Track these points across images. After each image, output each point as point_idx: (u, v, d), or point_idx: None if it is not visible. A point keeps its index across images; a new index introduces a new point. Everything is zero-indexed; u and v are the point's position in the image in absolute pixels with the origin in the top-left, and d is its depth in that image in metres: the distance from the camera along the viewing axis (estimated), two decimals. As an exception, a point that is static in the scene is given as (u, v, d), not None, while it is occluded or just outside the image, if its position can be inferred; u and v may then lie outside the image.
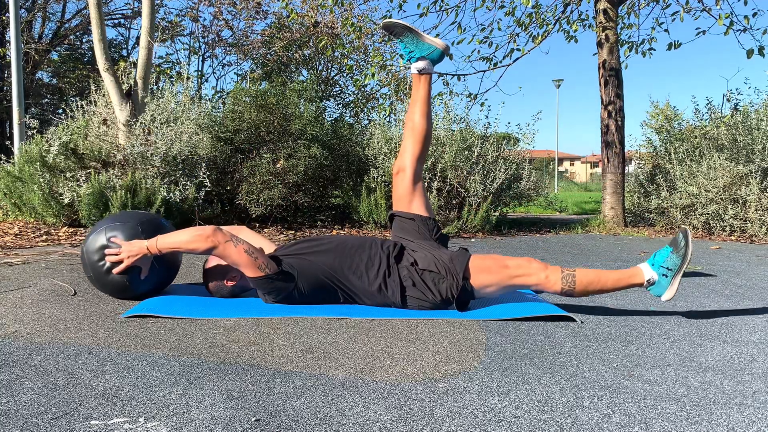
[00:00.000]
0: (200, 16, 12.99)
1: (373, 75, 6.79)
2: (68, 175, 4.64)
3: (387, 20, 2.27)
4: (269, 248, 2.22)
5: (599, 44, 6.07)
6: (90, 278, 2.16)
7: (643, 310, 2.19)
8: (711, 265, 3.47)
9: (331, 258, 2.07)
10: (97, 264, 2.10)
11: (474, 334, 1.78)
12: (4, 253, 3.39)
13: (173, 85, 5.64)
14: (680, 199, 5.61)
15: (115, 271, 2.08)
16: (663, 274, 1.96)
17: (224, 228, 2.27)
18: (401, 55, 6.85)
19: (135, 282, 2.11)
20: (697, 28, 7.91)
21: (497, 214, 5.54)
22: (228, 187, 5.34)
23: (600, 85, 6.10)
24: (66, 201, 4.52)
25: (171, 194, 4.60)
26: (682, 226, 2.08)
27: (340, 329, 1.82)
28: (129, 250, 2.06)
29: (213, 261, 2.20)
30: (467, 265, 2.00)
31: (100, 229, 2.14)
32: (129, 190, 4.40)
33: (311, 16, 10.07)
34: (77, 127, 5.10)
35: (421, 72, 2.26)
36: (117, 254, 2.06)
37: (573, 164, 60.29)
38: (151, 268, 2.12)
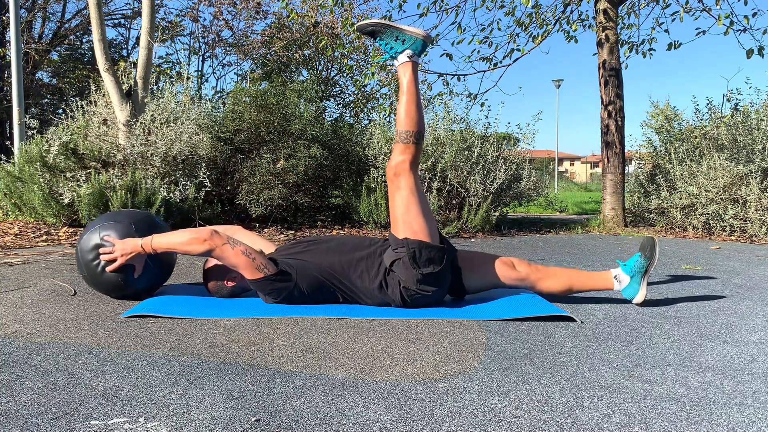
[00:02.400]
0: (200, 16, 12.99)
1: (373, 75, 6.79)
2: (68, 175, 4.64)
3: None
4: (268, 249, 2.22)
5: (599, 44, 6.07)
6: (84, 277, 2.17)
7: (643, 309, 2.19)
8: (711, 265, 3.47)
9: (331, 258, 2.07)
10: (91, 263, 2.11)
11: (474, 334, 1.78)
12: (4, 253, 3.39)
13: (173, 85, 5.64)
14: (680, 199, 5.61)
15: (108, 269, 2.08)
16: (402, 41, 2.08)
17: (221, 228, 2.27)
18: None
19: (129, 281, 2.11)
20: (697, 28, 7.92)
21: (497, 214, 5.54)
22: (228, 187, 5.34)
23: (600, 85, 6.10)
24: (66, 201, 4.52)
25: (171, 194, 4.61)
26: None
27: (340, 329, 1.82)
28: (123, 248, 2.06)
29: (213, 261, 2.20)
30: (393, 235, 2.04)
31: (94, 228, 2.14)
32: (129, 190, 4.40)
33: (311, 16, 10.07)
34: (77, 127, 5.10)
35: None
36: (111, 252, 2.06)
37: (573, 164, 60.30)
38: (145, 266, 2.12)
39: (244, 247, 2.01)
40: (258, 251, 2.05)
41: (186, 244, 2.00)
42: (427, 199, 2.10)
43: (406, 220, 2.01)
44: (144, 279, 2.15)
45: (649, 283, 2.79)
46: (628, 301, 2.33)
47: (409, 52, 2.11)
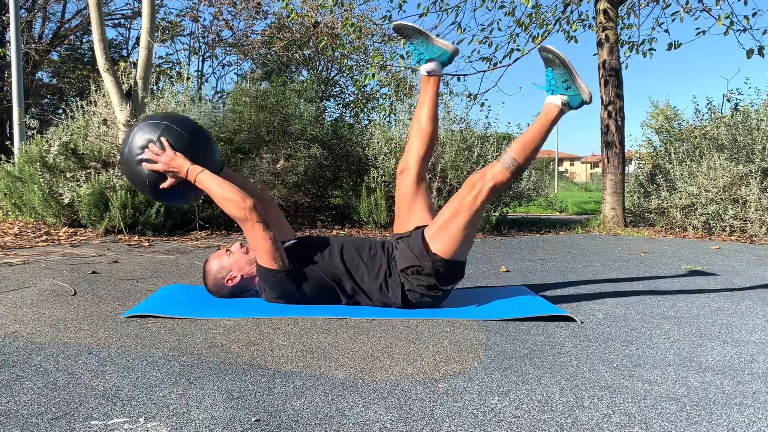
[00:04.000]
0: (200, 17, 13.00)
1: (373, 75, 6.79)
2: (68, 175, 4.64)
3: (398, 22, 2.27)
4: (285, 235, 2.20)
5: (599, 44, 6.07)
6: (122, 155, 2.09)
7: (643, 310, 2.19)
8: (711, 265, 3.47)
9: (331, 259, 2.07)
10: (136, 149, 2.03)
11: (474, 334, 1.78)
12: (4, 253, 3.39)
13: (173, 85, 5.64)
14: (680, 199, 5.61)
15: (146, 165, 2.01)
16: (566, 88, 2.01)
17: (257, 194, 2.22)
18: (402, 56, 6.87)
19: (154, 187, 2.04)
20: (697, 28, 7.92)
21: (497, 214, 5.54)
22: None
23: (600, 85, 6.10)
24: (66, 201, 4.52)
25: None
26: (540, 46, 2.09)
27: (340, 329, 1.82)
28: (170, 161, 1.99)
29: (214, 260, 2.20)
30: (423, 240, 1.99)
31: (162, 125, 2.06)
32: (129, 190, 4.40)
33: (311, 17, 10.07)
34: (77, 127, 5.10)
35: (430, 73, 2.26)
36: (158, 155, 2.00)
37: (573, 164, 60.29)
38: (175, 186, 2.05)
39: (273, 233, 1.99)
40: (280, 243, 2.03)
41: (225, 199, 1.96)
42: (478, 224, 2.05)
43: (447, 224, 1.97)
44: (166, 194, 2.08)
45: (650, 283, 2.79)
46: (628, 300, 2.32)
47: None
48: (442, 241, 1.97)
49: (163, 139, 2.01)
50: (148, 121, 2.07)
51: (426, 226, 2.09)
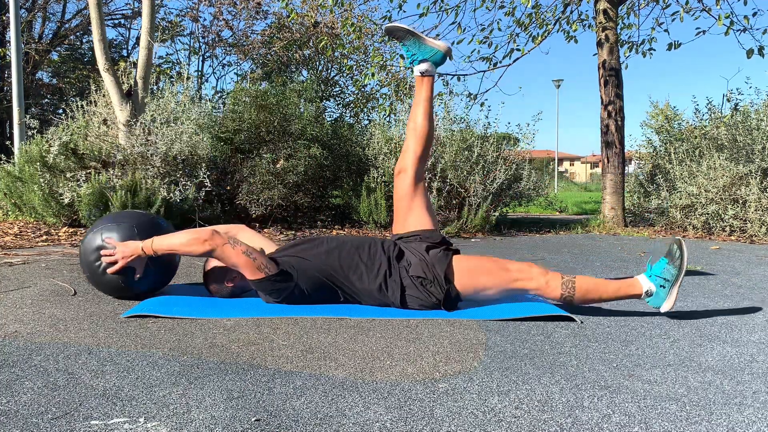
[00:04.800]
0: (200, 16, 12.99)
1: (373, 75, 6.79)
2: (68, 175, 4.64)
3: (389, 24, 2.28)
4: (269, 248, 2.22)
5: (599, 44, 6.07)
6: (87, 277, 2.19)
7: (642, 310, 2.19)
8: (711, 265, 3.47)
9: (331, 258, 2.07)
10: (93, 264, 2.12)
11: (474, 334, 1.78)
12: (4, 253, 3.39)
13: (173, 85, 5.64)
14: (680, 199, 5.61)
15: (109, 271, 2.09)
16: (661, 285, 1.99)
17: (223, 228, 2.27)
18: (402, 56, 6.86)
19: (130, 282, 2.12)
20: (697, 28, 7.92)
21: (497, 214, 5.54)
22: (228, 187, 5.34)
23: (600, 85, 6.10)
24: (66, 201, 4.52)
25: (171, 194, 4.60)
26: (677, 237, 2.11)
27: (340, 329, 1.82)
28: (123, 251, 2.06)
29: (213, 261, 2.19)
30: (448, 267, 2.02)
31: (97, 229, 2.15)
32: (129, 190, 4.40)
33: (311, 16, 10.07)
34: (77, 127, 5.10)
35: (423, 74, 2.26)
36: (112, 255, 2.07)
37: (573, 164, 60.28)
38: (146, 269, 2.13)
39: (244, 246, 2.01)
40: (259, 251, 2.05)
41: (186, 245, 2.00)
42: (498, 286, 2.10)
43: (478, 275, 2.03)
44: (145, 281, 2.15)
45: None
46: (628, 302, 2.32)
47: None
48: (465, 280, 2.02)
49: (106, 240, 2.11)
50: (85, 237, 2.18)
51: (454, 248, 2.13)
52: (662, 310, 1.99)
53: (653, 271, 2.02)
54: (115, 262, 2.07)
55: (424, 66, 2.25)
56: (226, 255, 1.99)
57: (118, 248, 2.07)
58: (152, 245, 2.05)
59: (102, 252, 2.09)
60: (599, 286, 2.03)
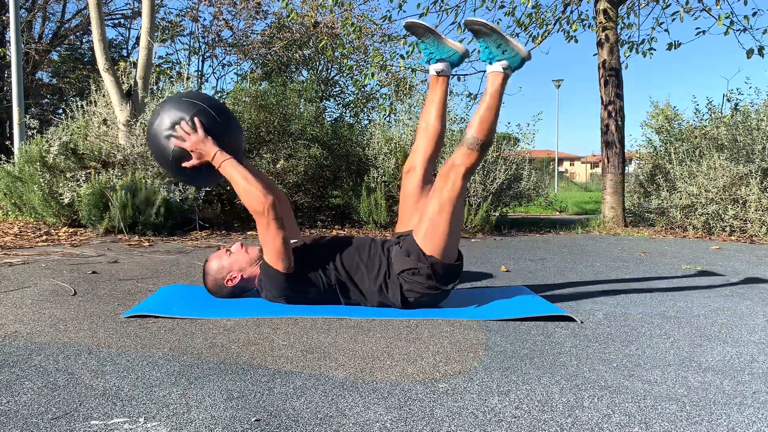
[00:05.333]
0: (200, 16, 12.99)
1: (373, 75, 6.78)
2: (68, 175, 4.64)
3: (410, 20, 2.24)
4: (294, 236, 2.20)
5: (599, 44, 6.07)
6: (149, 125, 2.08)
7: (642, 310, 2.19)
8: (711, 265, 3.47)
9: (332, 259, 2.07)
10: (165, 123, 2.02)
11: (474, 334, 1.78)
12: (4, 253, 3.39)
13: (173, 85, 5.64)
14: (680, 199, 5.61)
15: (174, 141, 2.00)
16: (503, 52, 2.04)
17: (280, 198, 2.23)
18: (402, 56, 6.86)
19: (176, 163, 2.03)
20: (697, 28, 7.91)
21: (497, 214, 5.54)
22: (228, 187, 5.34)
23: (600, 85, 6.10)
24: (66, 201, 4.52)
25: (171, 194, 4.60)
26: (466, 21, 2.14)
27: (340, 329, 1.82)
28: (198, 142, 1.99)
29: (214, 260, 2.19)
30: (418, 247, 1.98)
31: (198, 104, 2.04)
32: (129, 190, 4.40)
33: (311, 16, 10.07)
34: (77, 127, 5.10)
35: (439, 73, 2.24)
36: (189, 134, 1.99)
37: (573, 164, 60.27)
38: (198, 167, 2.04)
39: (286, 234, 1.99)
40: (290, 244, 2.03)
41: (246, 192, 1.95)
42: (462, 212, 2.06)
43: (435, 221, 1.96)
44: (187, 174, 2.07)
45: (650, 283, 2.79)
46: (628, 300, 2.33)
47: (504, 63, 2.08)
48: (433, 240, 1.97)
49: (196, 119, 2.00)
50: (182, 98, 2.05)
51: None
52: (523, 56, 2.04)
53: (487, 56, 2.07)
54: (184, 141, 1.99)
55: (440, 66, 2.23)
56: (268, 230, 1.95)
57: (200, 135, 1.99)
58: (222, 162, 1.98)
59: (182, 124, 1.99)
60: (481, 112, 2.02)
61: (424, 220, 2.01)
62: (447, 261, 1.99)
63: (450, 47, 2.21)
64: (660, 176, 5.99)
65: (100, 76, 5.13)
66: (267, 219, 1.95)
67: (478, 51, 2.15)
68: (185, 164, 2.03)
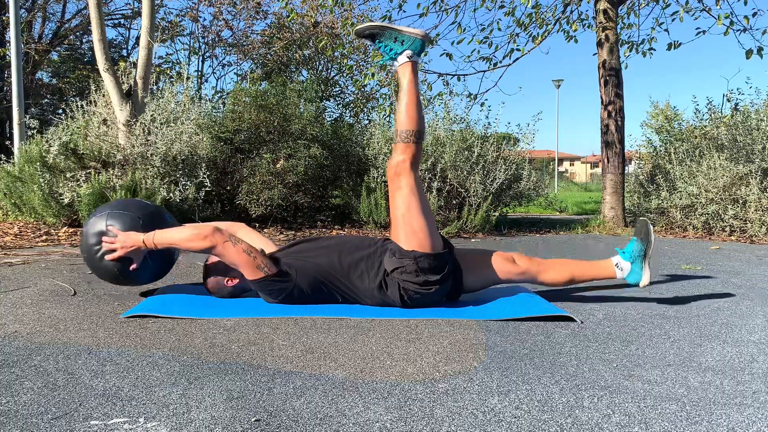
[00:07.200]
0: (200, 17, 12.99)
1: (373, 75, 6.79)
2: (68, 175, 4.64)
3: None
4: (269, 248, 2.22)
5: (599, 44, 6.07)
6: (84, 259, 2.18)
7: (642, 310, 2.19)
8: (711, 265, 3.47)
9: (331, 258, 2.07)
10: (92, 247, 2.11)
11: (474, 334, 1.78)
12: (4, 253, 3.39)
13: (173, 85, 5.64)
14: (680, 199, 5.61)
15: (107, 257, 2.08)
16: (401, 43, 2.10)
17: (224, 225, 2.27)
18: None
19: (125, 272, 2.12)
20: (697, 28, 7.91)
21: (497, 214, 5.53)
22: (228, 187, 5.34)
23: (600, 85, 6.10)
24: (66, 201, 4.52)
25: (171, 194, 4.60)
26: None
27: (340, 329, 1.82)
28: (124, 241, 2.06)
29: (213, 261, 2.20)
30: (401, 244, 2.02)
31: (103, 213, 2.14)
32: (129, 190, 4.40)
33: (311, 16, 10.07)
34: (77, 127, 5.10)
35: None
36: (113, 242, 2.07)
37: (573, 164, 60.26)
38: (143, 261, 2.12)
39: (245, 245, 2.01)
40: (259, 250, 2.04)
41: (187, 241, 2.00)
42: (427, 198, 2.10)
43: (407, 220, 2.01)
44: (140, 273, 2.15)
45: (650, 283, 2.79)
46: (628, 300, 2.33)
47: (408, 52, 2.12)
48: (410, 236, 2.00)
49: (109, 227, 2.09)
50: (90, 219, 2.16)
51: None
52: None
53: (390, 54, 2.12)
54: (114, 250, 2.07)
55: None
56: (227, 253, 1.99)
57: (120, 237, 2.07)
58: (153, 239, 2.04)
59: (104, 238, 2.09)
60: (402, 106, 2.09)
61: (397, 223, 2.04)
62: (431, 251, 2.00)
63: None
64: (660, 176, 5.99)
65: (100, 76, 5.13)
66: (219, 245, 1.99)
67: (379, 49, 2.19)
68: (132, 267, 2.11)
